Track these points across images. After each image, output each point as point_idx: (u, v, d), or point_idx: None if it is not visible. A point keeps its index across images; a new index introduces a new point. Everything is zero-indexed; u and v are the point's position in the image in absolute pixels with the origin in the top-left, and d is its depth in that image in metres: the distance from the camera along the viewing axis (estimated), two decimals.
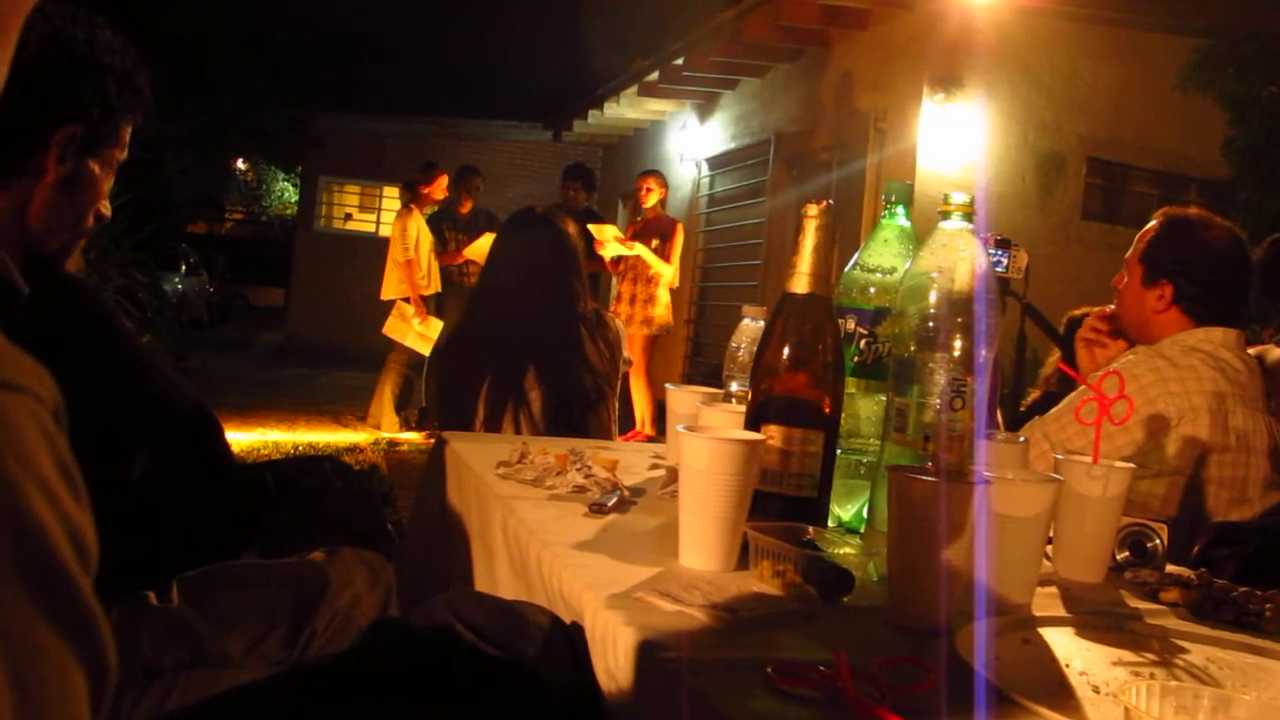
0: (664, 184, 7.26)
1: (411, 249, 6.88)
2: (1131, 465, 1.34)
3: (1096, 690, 0.89)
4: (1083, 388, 1.98)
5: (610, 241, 6.77)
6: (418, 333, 6.84)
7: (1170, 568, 1.38)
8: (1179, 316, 2.05)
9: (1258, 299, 2.25)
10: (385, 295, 7.02)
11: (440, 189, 7.20)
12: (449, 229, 7.14)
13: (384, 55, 19.32)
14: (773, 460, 1.22)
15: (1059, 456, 1.34)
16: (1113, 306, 2.28)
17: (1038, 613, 1.12)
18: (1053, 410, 2.04)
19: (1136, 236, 2.15)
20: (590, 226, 6.53)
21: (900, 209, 1.43)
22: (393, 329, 6.92)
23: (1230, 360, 1.97)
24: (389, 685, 0.96)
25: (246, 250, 24.30)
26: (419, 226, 6.98)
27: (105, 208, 1.33)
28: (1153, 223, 2.14)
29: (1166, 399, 1.90)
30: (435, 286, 7.02)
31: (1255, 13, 6.35)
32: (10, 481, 0.38)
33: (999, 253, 3.25)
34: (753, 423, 1.25)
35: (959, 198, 1.22)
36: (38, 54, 1.19)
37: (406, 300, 6.88)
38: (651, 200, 7.05)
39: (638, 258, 6.88)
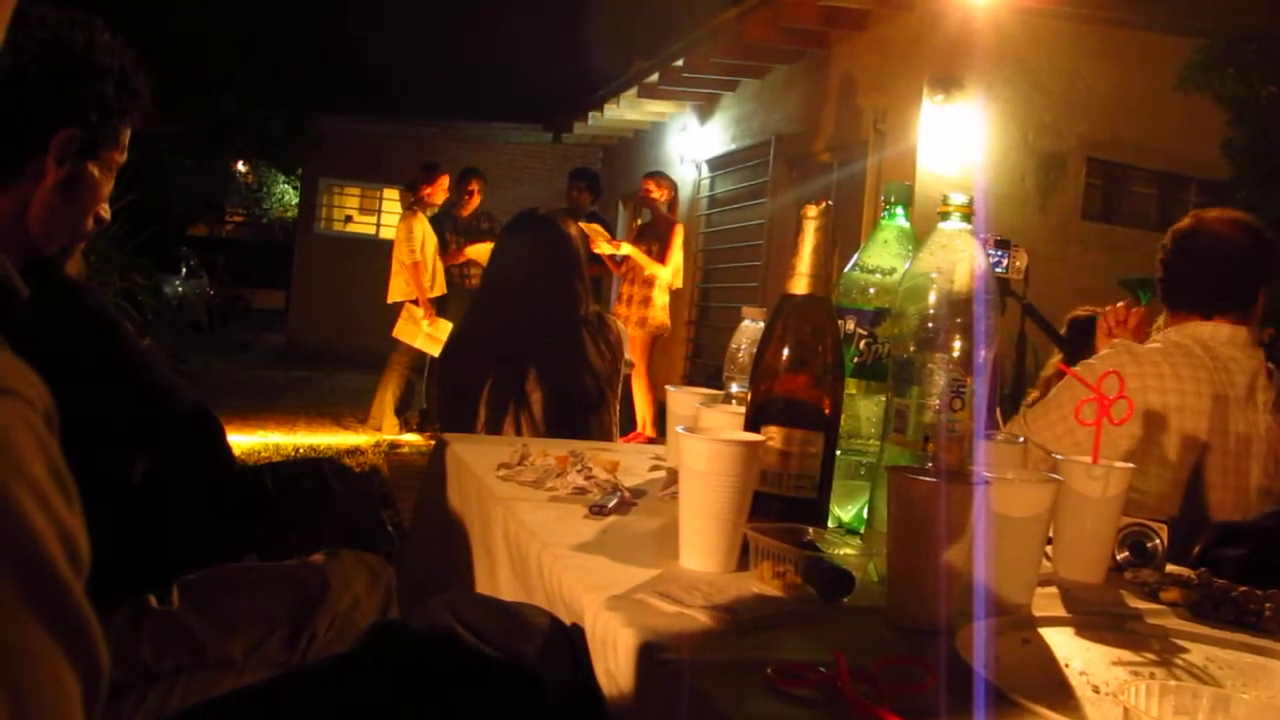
0: (669, 186, 7.21)
1: (418, 251, 6.82)
2: (1131, 465, 1.34)
3: (1096, 690, 0.89)
4: (1064, 382, 2.00)
5: (597, 239, 6.76)
6: (427, 334, 6.80)
7: (1170, 567, 1.38)
8: (1166, 309, 2.12)
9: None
10: (392, 298, 6.97)
11: (442, 190, 7.16)
12: (450, 231, 7.13)
13: (384, 57, 19.31)
14: (773, 461, 1.22)
15: (1059, 456, 1.34)
16: (1121, 304, 2.38)
17: (1038, 613, 1.12)
18: (1036, 404, 2.06)
19: None
20: (581, 225, 6.53)
21: (899, 210, 1.43)
22: (402, 331, 6.88)
23: (1214, 356, 1.94)
24: (389, 687, 0.96)
25: (247, 253, 24.31)
26: (424, 229, 6.92)
27: (105, 210, 1.33)
28: None
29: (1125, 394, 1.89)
30: (441, 289, 6.98)
31: (1254, 13, 6.34)
32: (1, 485, 0.38)
33: (999, 253, 3.25)
34: (752, 424, 1.25)
35: (958, 198, 1.22)
36: (36, 58, 1.19)
37: (415, 303, 6.84)
38: (655, 195, 7.03)
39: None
